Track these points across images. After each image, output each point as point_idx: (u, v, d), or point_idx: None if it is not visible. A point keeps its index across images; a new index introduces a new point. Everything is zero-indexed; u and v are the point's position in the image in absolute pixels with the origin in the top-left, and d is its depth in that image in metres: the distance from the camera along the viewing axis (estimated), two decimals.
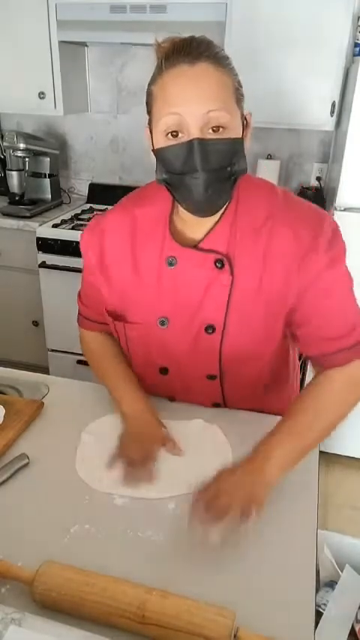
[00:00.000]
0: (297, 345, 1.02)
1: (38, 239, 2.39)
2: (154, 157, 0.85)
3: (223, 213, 0.90)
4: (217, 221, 0.90)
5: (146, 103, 0.84)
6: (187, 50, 0.77)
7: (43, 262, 2.40)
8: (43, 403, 1.06)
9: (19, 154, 2.55)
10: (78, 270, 2.21)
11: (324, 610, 1.23)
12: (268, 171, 2.47)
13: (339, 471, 2.28)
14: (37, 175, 2.74)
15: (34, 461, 0.91)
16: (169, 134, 0.79)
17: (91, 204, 2.76)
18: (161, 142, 0.81)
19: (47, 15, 2.26)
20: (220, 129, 0.78)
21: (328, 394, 0.91)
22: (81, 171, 2.93)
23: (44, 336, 2.59)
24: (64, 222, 2.48)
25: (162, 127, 0.79)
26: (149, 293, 0.97)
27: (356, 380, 0.93)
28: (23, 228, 2.45)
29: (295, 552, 0.76)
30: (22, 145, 2.52)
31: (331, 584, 1.30)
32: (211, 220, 0.90)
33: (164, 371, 1.04)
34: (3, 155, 2.72)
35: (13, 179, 2.62)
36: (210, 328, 0.95)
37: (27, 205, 2.61)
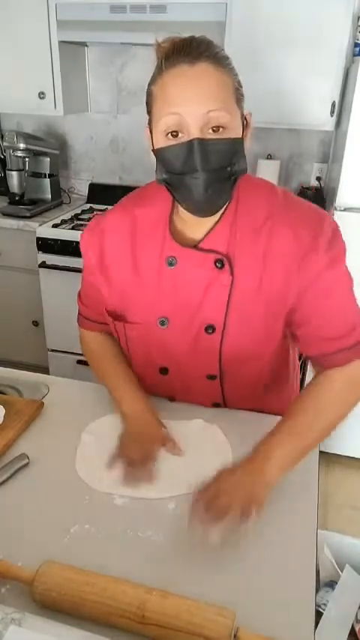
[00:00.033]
0: (297, 345, 1.01)
1: (38, 239, 2.39)
2: (154, 157, 0.85)
3: (223, 213, 0.90)
4: (217, 221, 0.90)
5: (146, 103, 0.84)
6: (187, 50, 0.77)
7: (43, 262, 2.41)
8: (43, 403, 1.06)
9: (19, 153, 2.55)
10: (78, 270, 2.21)
11: (324, 610, 1.23)
12: (268, 171, 2.47)
13: (339, 471, 2.28)
14: (37, 175, 2.74)
15: (34, 461, 0.91)
16: (169, 134, 0.79)
17: (91, 204, 2.76)
18: (161, 142, 0.81)
19: (47, 15, 2.26)
20: (220, 129, 0.78)
21: (328, 394, 0.91)
22: (81, 171, 2.93)
23: (44, 336, 2.59)
24: (64, 222, 2.48)
25: (162, 127, 0.79)
26: (149, 293, 0.97)
27: (356, 380, 0.93)
28: (23, 228, 2.45)
29: (295, 552, 0.76)
30: (22, 145, 2.52)
31: (331, 584, 1.30)
32: (211, 220, 0.89)
33: (164, 371, 1.04)
34: (3, 155, 2.72)
35: (13, 179, 2.62)
36: (210, 328, 0.95)
37: (27, 205, 2.61)
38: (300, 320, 0.93)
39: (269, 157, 2.53)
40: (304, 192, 2.45)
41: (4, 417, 0.98)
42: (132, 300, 0.99)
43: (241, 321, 0.93)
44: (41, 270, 2.42)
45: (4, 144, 2.56)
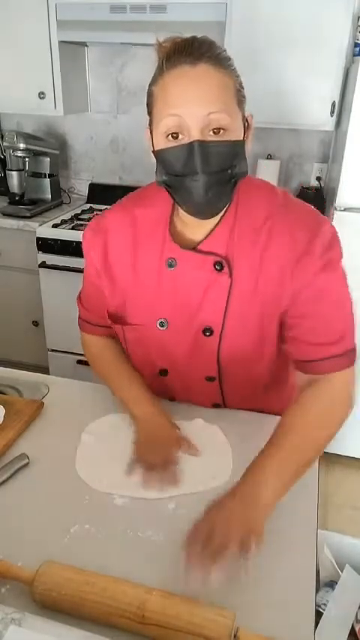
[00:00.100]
0: (284, 347, 0.97)
1: (38, 239, 2.39)
2: (154, 157, 0.84)
3: (223, 216, 0.89)
4: (217, 223, 0.90)
5: (147, 103, 0.84)
6: (189, 51, 0.77)
7: (43, 262, 2.40)
8: (43, 403, 1.06)
9: (19, 153, 2.55)
10: (78, 270, 2.21)
11: (324, 610, 1.23)
12: (268, 171, 2.47)
13: (339, 471, 2.28)
14: (37, 175, 2.74)
15: (34, 461, 0.91)
16: (170, 136, 0.79)
17: (91, 204, 2.76)
18: (161, 143, 0.80)
19: (47, 15, 2.26)
20: (221, 131, 0.77)
21: (315, 411, 0.86)
22: (81, 171, 2.93)
23: (44, 336, 2.59)
24: (64, 222, 2.48)
25: (162, 128, 0.79)
26: (149, 294, 0.96)
27: (342, 395, 0.89)
28: (23, 228, 2.45)
29: (295, 552, 0.76)
30: (22, 145, 2.52)
31: (331, 584, 1.30)
32: (211, 222, 0.89)
33: (164, 372, 1.04)
34: (3, 155, 2.72)
35: (13, 179, 2.62)
36: (208, 331, 0.94)
37: (27, 205, 2.61)
38: (290, 322, 0.91)
39: (269, 157, 2.53)
40: (304, 192, 2.45)
41: (4, 417, 0.98)
42: (132, 301, 0.99)
43: (238, 323, 0.93)
44: (41, 270, 2.42)
45: (4, 144, 2.56)
